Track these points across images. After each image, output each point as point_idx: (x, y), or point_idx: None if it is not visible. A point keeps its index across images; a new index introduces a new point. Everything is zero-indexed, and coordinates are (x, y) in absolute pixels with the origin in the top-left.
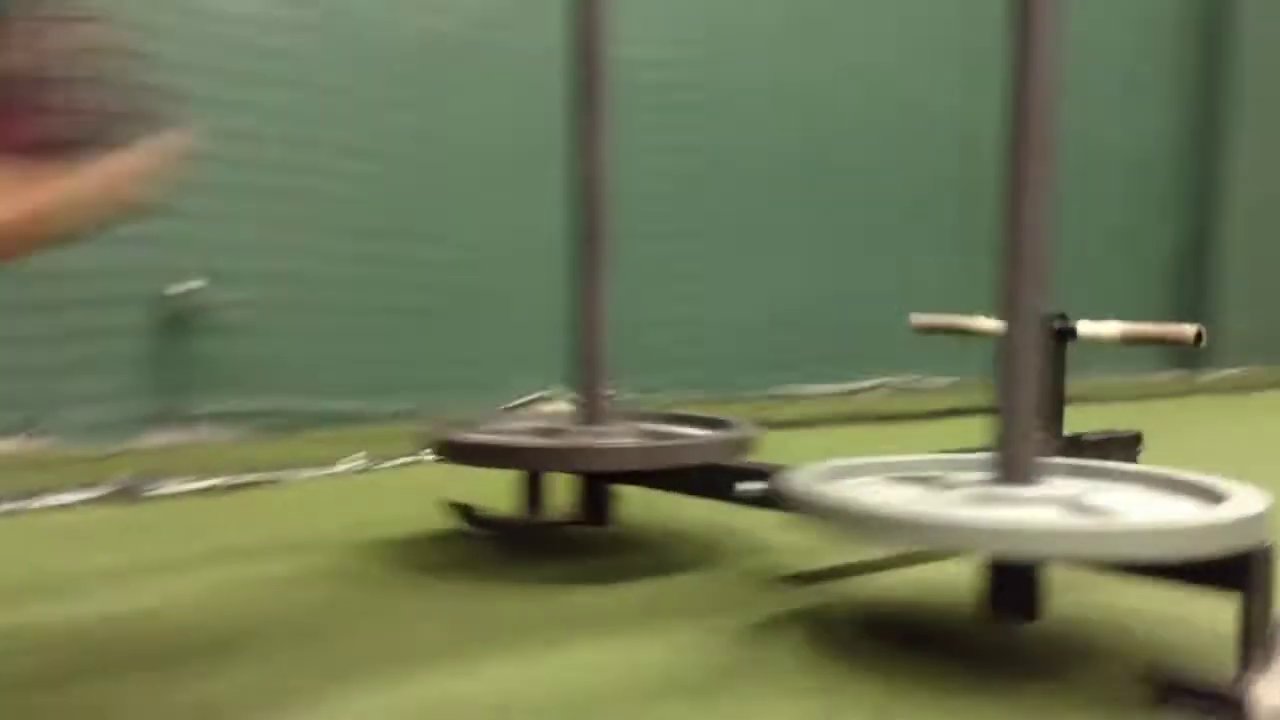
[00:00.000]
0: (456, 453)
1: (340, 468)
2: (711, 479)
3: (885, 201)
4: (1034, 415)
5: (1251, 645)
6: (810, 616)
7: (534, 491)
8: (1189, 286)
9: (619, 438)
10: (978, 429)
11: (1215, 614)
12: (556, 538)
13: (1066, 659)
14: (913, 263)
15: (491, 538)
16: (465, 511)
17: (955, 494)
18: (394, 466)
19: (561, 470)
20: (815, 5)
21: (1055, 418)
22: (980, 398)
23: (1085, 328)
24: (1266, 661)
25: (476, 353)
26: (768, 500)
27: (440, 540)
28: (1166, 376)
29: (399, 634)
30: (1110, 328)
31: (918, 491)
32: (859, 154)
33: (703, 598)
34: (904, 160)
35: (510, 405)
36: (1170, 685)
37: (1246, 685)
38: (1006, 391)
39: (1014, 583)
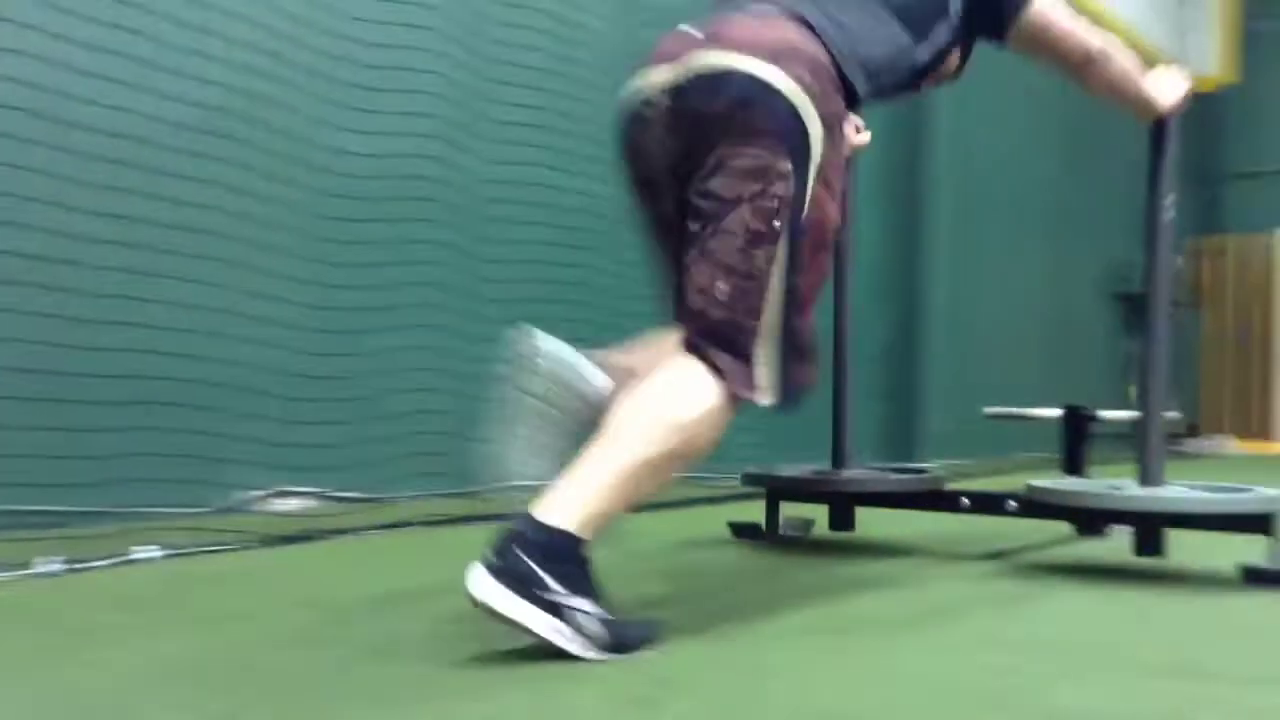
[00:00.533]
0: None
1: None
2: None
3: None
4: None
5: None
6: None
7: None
8: (898, 380)
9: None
10: None
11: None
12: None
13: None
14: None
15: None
16: (749, 529)
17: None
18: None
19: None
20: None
21: None
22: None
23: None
24: None
25: (188, 449)
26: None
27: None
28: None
29: None
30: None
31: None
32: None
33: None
34: None
35: (227, 506)
36: (1251, 572)
37: None
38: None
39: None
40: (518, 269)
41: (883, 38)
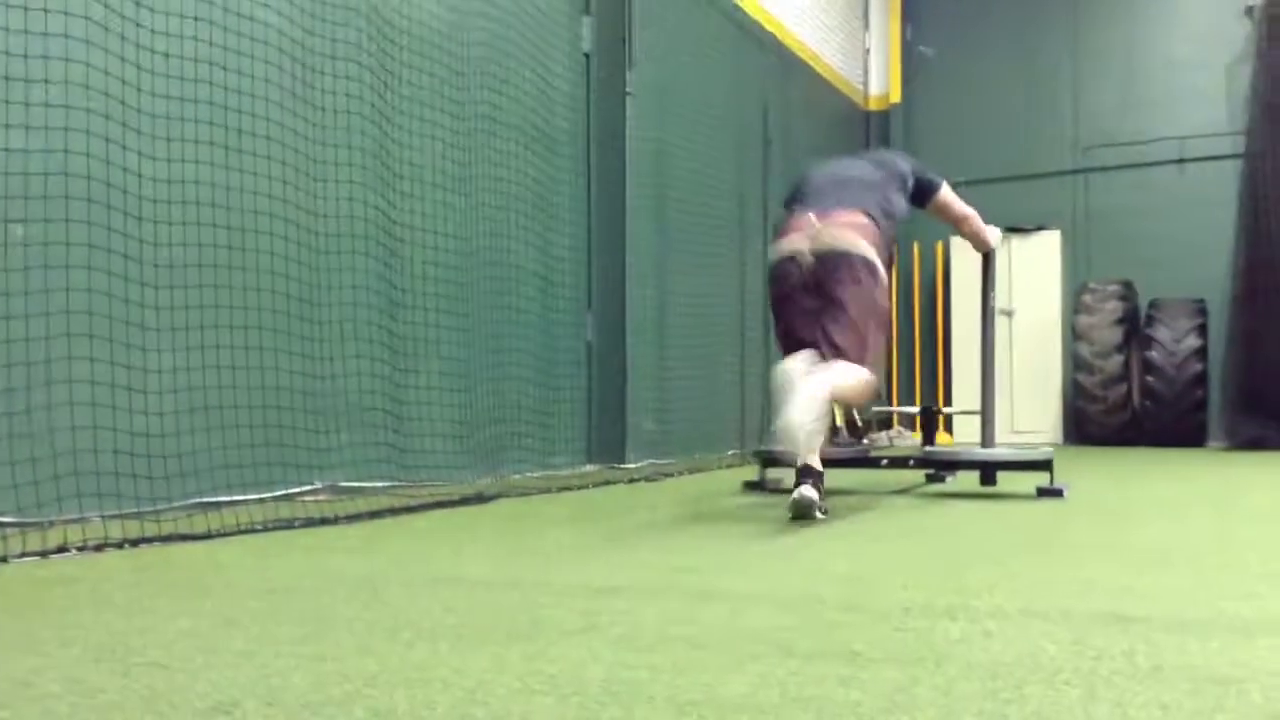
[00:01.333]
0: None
1: None
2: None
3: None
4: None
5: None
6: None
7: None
8: (607, 386)
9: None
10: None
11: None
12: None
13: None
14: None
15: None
16: (753, 484)
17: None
18: None
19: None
20: None
21: None
22: (412, 498)
23: None
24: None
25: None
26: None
27: None
28: (594, 466)
29: None
30: None
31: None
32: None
33: None
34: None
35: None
36: (1040, 490)
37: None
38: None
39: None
40: (181, 274)
41: (888, 209)
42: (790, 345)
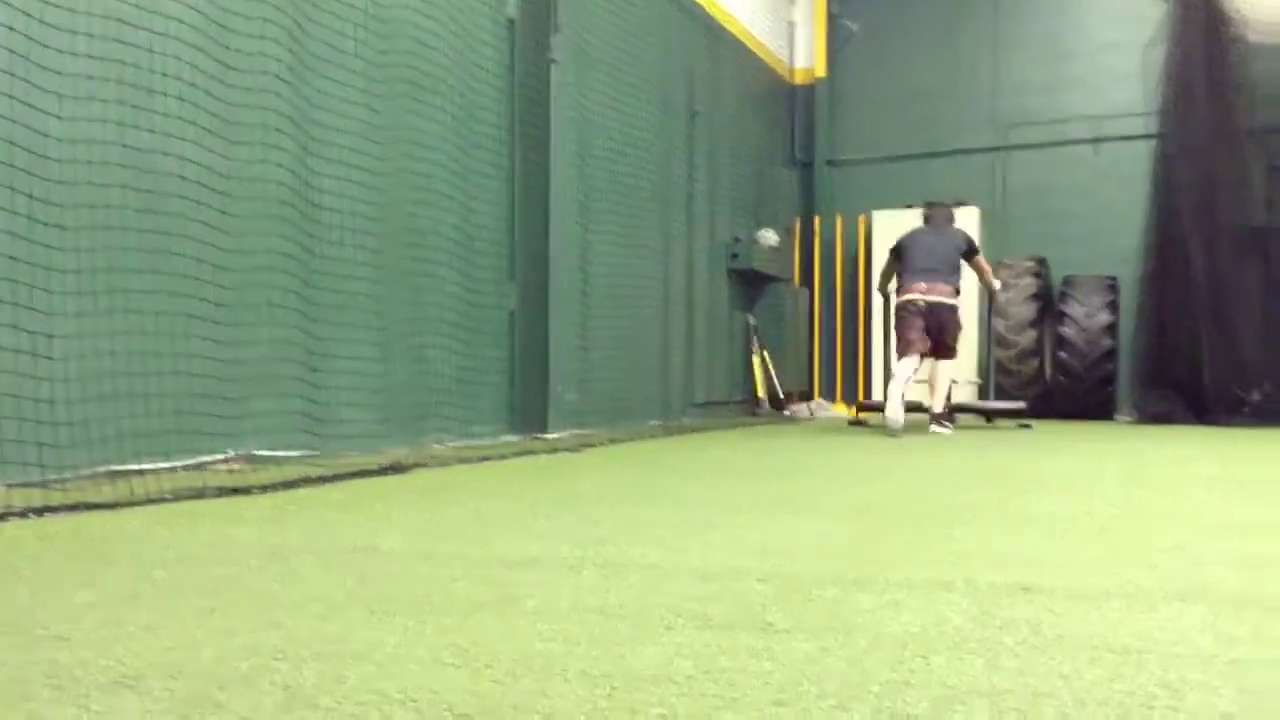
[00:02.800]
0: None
1: None
2: None
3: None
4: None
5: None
6: None
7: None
8: (529, 356)
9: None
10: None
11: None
12: None
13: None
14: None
15: None
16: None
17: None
18: None
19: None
20: None
21: None
22: (327, 468)
23: None
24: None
25: None
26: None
27: None
28: (515, 437)
29: None
30: None
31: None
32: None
33: None
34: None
35: None
36: (1021, 425)
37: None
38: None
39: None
40: (88, 236)
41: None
42: (903, 348)
